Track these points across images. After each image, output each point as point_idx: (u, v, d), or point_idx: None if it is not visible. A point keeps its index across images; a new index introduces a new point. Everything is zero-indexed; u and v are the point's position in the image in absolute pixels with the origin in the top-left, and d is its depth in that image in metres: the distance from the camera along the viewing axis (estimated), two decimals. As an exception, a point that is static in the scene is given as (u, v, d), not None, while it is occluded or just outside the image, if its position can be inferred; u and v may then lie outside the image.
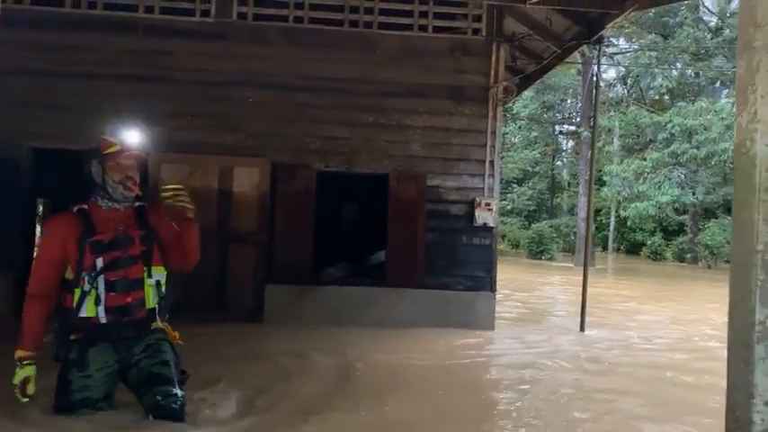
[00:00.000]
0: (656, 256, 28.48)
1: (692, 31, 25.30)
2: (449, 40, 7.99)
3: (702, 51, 25.79)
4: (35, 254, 2.59)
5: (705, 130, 23.26)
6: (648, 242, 29.64)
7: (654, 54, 26.18)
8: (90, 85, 7.46)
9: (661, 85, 26.50)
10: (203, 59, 7.65)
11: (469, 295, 7.86)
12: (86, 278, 2.52)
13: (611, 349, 7.33)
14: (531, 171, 34.68)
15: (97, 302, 2.53)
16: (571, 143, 35.70)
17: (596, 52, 8.88)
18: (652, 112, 26.53)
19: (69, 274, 2.62)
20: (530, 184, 34.59)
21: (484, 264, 7.96)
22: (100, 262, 2.54)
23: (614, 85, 31.60)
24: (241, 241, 7.59)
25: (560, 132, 36.49)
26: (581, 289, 8.43)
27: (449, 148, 7.98)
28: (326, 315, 7.43)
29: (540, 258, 25.07)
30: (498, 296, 8.33)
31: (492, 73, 7.98)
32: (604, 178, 27.51)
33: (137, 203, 2.76)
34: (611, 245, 31.40)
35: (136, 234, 2.67)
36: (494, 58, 7.95)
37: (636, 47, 28.35)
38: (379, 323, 7.30)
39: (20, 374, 2.57)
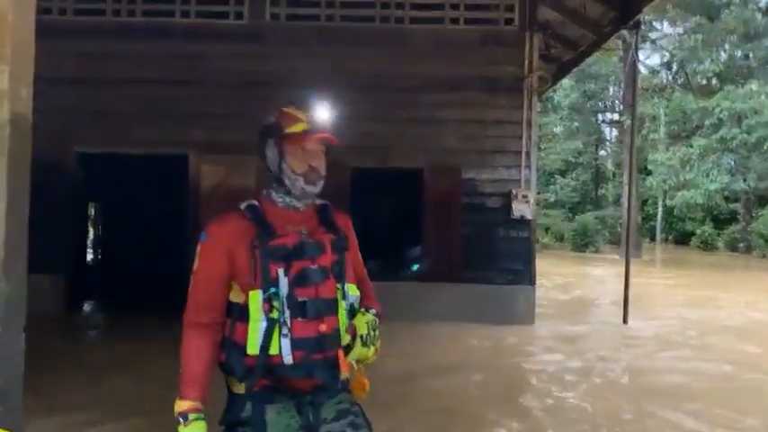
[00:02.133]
0: (707, 245, 27.49)
1: (739, 11, 24.30)
2: (481, 31, 7.92)
3: (752, 32, 24.74)
4: (194, 268, 1.83)
5: (756, 113, 22.32)
6: (698, 232, 28.66)
7: (699, 37, 25.25)
8: (130, 89, 7.69)
9: (708, 69, 25.56)
10: (238, 61, 7.79)
11: (508, 289, 7.78)
12: (273, 299, 1.72)
13: (655, 341, 7.16)
14: (574, 162, 33.96)
15: (280, 334, 1.72)
16: (615, 132, 34.83)
17: (637, 37, 8.63)
18: (698, 97, 25.64)
19: (237, 296, 1.80)
20: (573, 176, 33.90)
21: (522, 257, 7.86)
22: (282, 275, 1.73)
23: (658, 71, 30.65)
24: (279, 239, 7.69)
25: (603, 121, 35.64)
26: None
27: (483, 140, 7.91)
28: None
29: (585, 251, 24.56)
30: (541, 289, 8.24)
31: (526, 63, 7.86)
32: (650, 167, 26.73)
33: (319, 201, 1.92)
34: (658, 235, 30.51)
35: (325, 239, 1.83)
36: (527, 48, 7.84)
37: (680, 30, 27.42)
38: (417, 318, 7.29)
39: None
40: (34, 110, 3.25)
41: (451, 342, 6.70)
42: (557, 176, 33.45)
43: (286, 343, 1.71)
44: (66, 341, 6.54)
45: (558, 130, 34.79)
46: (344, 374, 1.85)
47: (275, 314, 1.71)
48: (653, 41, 27.00)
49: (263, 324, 1.71)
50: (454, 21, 7.92)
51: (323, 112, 1.91)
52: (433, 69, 7.85)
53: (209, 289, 1.82)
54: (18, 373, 2.77)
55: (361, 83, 7.74)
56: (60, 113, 7.51)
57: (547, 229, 27.98)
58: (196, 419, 1.76)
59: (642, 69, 27.21)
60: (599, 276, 15.52)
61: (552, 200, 31.67)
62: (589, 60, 13.49)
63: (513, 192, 7.80)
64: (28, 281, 2.91)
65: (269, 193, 1.87)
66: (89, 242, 12.03)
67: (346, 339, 1.81)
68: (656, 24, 27.10)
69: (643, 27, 15.29)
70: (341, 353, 1.78)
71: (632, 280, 8.29)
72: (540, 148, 24.78)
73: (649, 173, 27.12)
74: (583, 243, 25.17)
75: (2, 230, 2.80)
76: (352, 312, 1.84)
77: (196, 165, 7.83)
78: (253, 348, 1.71)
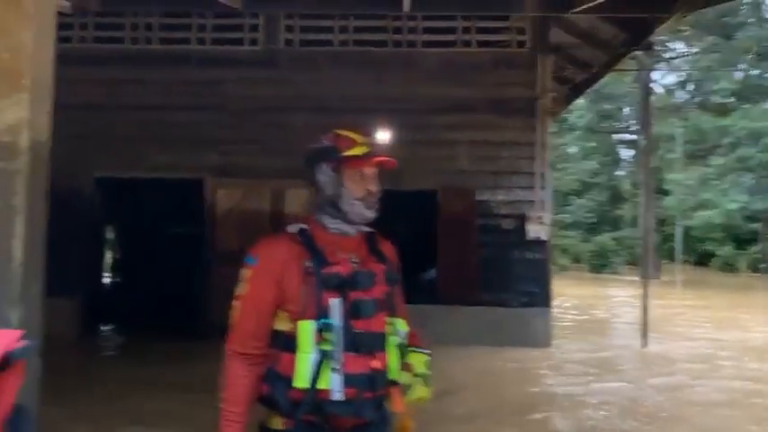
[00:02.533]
0: (728, 266, 27.01)
1: (755, 30, 24.23)
2: (492, 53, 7.96)
3: (768, 51, 24.64)
4: (239, 292, 1.69)
5: (774, 132, 22.12)
6: (719, 252, 28.20)
7: (715, 56, 25.18)
8: (147, 115, 7.81)
9: (724, 89, 25.42)
10: (253, 86, 7.90)
11: (524, 311, 7.70)
12: (325, 330, 1.58)
13: (677, 366, 7.02)
14: (591, 182, 33.72)
15: (331, 368, 1.59)
16: (631, 152, 34.64)
17: (650, 58, 8.62)
18: (715, 116, 25.47)
19: (283, 324, 1.65)
20: (589, 196, 33.64)
21: (538, 279, 7.79)
22: (337, 305, 1.61)
23: (674, 90, 30.53)
24: (293, 262, 7.71)
25: (619, 141, 35.48)
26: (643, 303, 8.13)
27: (497, 161, 7.91)
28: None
29: (603, 272, 24.28)
30: (559, 311, 8.14)
31: (538, 84, 7.88)
32: (667, 187, 26.48)
33: (365, 228, 1.83)
34: (678, 256, 30.09)
35: (377, 269, 1.72)
36: (539, 70, 7.86)
37: (696, 50, 27.36)
38: (433, 342, 7.20)
39: None
40: (53, 135, 3.32)
41: (480, 369, 6.57)
42: (573, 197, 33.24)
43: (337, 378, 1.58)
44: (81, 363, 6.57)
45: (573, 150, 34.67)
46: (394, 407, 1.73)
47: (327, 346, 1.58)
48: (668, 61, 26.92)
49: (314, 356, 1.58)
50: (466, 44, 7.98)
51: (385, 134, 1.66)
52: (446, 92, 7.89)
53: (258, 316, 1.67)
54: (33, 398, 2.79)
55: (372, 106, 7.79)
56: (79, 139, 7.63)
57: (564, 251, 27.75)
58: None
59: (658, 89, 27.14)
60: (617, 298, 15.30)
61: (569, 221, 31.42)
62: (603, 81, 13.46)
63: (528, 213, 7.76)
64: (44, 304, 2.94)
65: (320, 218, 1.75)
66: (106, 265, 12.15)
67: (405, 377, 1.70)
68: (671, 44, 27.05)
69: (657, 47, 15.27)
70: (396, 392, 1.68)
71: (651, 302, 8.16)
72: (555, 169, 24.70)
73: (667, 193, 26.87)
74: (600, 264, 24.93)
75: (20, 255, 2.85)
76: (401, 349, 1.71)
77: (212, 189, 7.90)
78: (301, 381, 1.58)
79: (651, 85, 8.56)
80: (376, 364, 1.63)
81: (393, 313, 1.71)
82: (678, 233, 29.76)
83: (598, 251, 25.67)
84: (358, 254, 1.74)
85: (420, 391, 1.72)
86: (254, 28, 8.01)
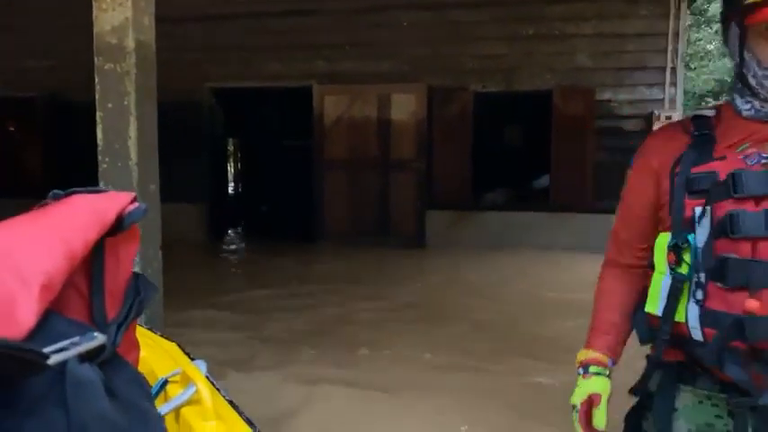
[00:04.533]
0: None
1: None
2: (620, -70, 7.06)
3: None
4: (622, 194, 1.47)
5: None
6: None
7: None
8: (253, 23, 7.82)
9: None
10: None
11: (646, 219, 7.19)
12: (681, 248, 1.24)
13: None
14: (731, 83, 30.40)
15: (690, 297, 1.24)
16: (783, 46, 30.43)
17: None
18: None
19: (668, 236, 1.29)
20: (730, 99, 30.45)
21: (663, 184, 7.19)
22: (701, 216, 1.24)
23: None
24: (401, 168, 7.67)
25: (769, 34, 31.28)
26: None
27: (621, 56, 7.19)
28: (487, 240, 7.32)
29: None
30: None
31: (674, -36, 6.93)
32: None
33: None
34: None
35: None
36: (676, -54, 6.89)
37: None
38: (543, 248, 7.01)
39: (583, 389, 1.39)
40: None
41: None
42: (708, 99, 30.17)
43: (695, 311, 1.22)
44: (200, 259, 7.12)
45: (711, 46, 31.11)
46: None
47: (684, 269, 1.23)
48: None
49: (667, 280, 1.26)
50: None
51: None
52: (565, -21, 7.18)
53: (628, 219, 1.41)
54: (157, 283, 3.02)
55: (481, 0, 7.30)
56: (191, 52, 7.87)
57: (695, 158, 25.62)
58: (597, 375, 1.39)
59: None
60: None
61: (703, 126, 28.74)
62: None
63: (656, 113, 7.07)
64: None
65: (733, 98, 1.33)
66: (230, 176, 12.88)
67: None
68: None
69: None
70: None
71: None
72: (690, 68, 22.32)
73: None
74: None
75: (134, 154, 2.99)
76: None
77: (319, 96, 7.92)
78: (651, 306, 1.30)
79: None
80: (752, 304, 1.19)
81: None
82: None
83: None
84: None
85: None
86: None
